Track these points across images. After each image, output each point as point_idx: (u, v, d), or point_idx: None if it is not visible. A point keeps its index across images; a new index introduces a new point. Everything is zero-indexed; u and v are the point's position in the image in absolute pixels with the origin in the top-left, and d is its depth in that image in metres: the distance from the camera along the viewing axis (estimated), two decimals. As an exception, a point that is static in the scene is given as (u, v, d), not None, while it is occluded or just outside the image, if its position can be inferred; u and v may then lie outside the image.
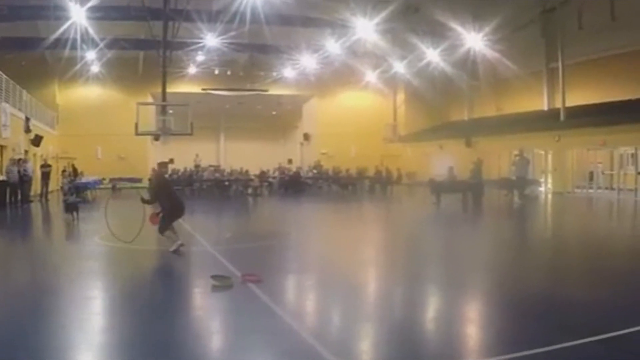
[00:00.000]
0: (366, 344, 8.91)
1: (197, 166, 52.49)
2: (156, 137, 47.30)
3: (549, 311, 10.19)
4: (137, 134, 44.11)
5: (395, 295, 12.15)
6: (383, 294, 12.52)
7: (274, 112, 63.40)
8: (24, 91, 43.90)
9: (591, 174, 42.92)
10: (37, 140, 43.77)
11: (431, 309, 11.25)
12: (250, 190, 47.53)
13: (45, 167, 42.92)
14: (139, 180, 48.25)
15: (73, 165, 49.01)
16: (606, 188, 41.91)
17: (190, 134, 44.35)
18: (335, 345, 8.34)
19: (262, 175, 50.78)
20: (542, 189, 43.99)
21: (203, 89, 59.07)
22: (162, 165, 47.33)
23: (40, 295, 11.91)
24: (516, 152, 39.05)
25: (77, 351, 8.48)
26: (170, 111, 44.27)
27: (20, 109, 41.81)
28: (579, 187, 43.51)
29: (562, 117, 43.65)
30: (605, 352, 8.04)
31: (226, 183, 48.83)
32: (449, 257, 17.04)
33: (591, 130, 39.27)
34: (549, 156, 45.63)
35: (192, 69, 57.61)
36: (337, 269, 14.77)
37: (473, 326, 9.84)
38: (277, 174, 53.21)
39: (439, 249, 19.07)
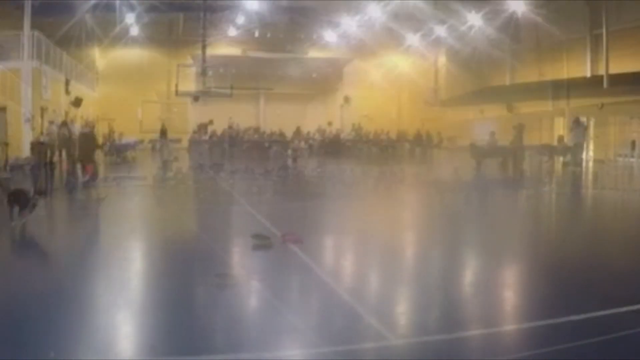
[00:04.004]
0: (403, 305, 8.96)
1: (230, 127, 52.48)
2: (196, 98, 47.42)
3: (590, 280, 10.09)
4: (177, 94, 44.32)
5: (434, 259, 12.10)
6: (421, 257, 12.51)
7: (314, 75, 63.24)
8: (64, 53, 44.14)
9: (633, 142, 42.34)
10: (77, 102, 44.00)
11: (470, 273, 11.25)
12: (289, 152, 47.58)
13: (86, 128, 43.17)
14: (179, 141, 48.39)
15: (109, 125, 49.31)
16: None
17: (230, 96, 44.41)
18: (373, 305, 8.49)
19: (298, 135, 50.77)
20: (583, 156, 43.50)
21: (243, 52, 59.04)
22: (202, 126, 47.68)
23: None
24: (573, 119, 38.58)
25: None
26: (210, 73, 44.33)
27: (60, 71, 42.07)
28: (621, 156, 42.92)
29: (605, 85, 42.99)
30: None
31: (266, 145, 48.89)
32: (489, 223, 16.90)
33: (634, 98, 38.70)
34: (591, 123, 44.95)
35: (232, 31, 57.50)
36: (376, 231, 14.79)
37: (510, 291, 9.82)
38: (317, 136, 53.17)
39: (479, 214, 18.96)
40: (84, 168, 19.10)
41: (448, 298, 9.00)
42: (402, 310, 8.68)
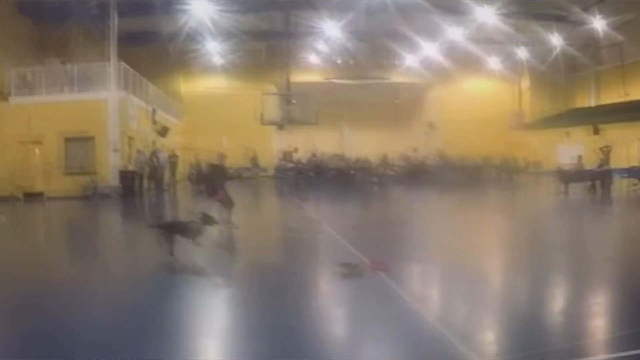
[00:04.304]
0: (492, 333, 8.79)
1: (313, 155, 52.66)
2: (280, 126, 47.72)
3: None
4: (262, 123, 44.70)
5: (521, 285, 11.78)
6: (509, 283, 12.21)
7: (397, 101, 63.08)
8: (149, 83, 44.91)
9: None
10: (163, 131, 44.66)
11: (558, 299, 10.92)
12: (374, 179, 47.52)
13: (173, 157, 43.98)
14: (265, 170, 48.78)
15: (195, 154, 50.01)
16: None
17: (315, 123, 44.61)
18: (462, 333, 8.27)
19: (385, 163, 50.68)
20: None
21: (326, 79, 59.35)
22: (287, 154, 48.13)
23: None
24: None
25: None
26: (294, 101, 44.59)
27: (146, 101, 42.80)
28: None
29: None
30: None
31: (351, 172, 48.90)
32: (578, 248, 16.41)
33: None
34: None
35: (314, 59, 57.91)
36: (464, 258, 14.34)
37: (600, 319, 9.41)
38: (402, 162, 52.99)
39: (568, 239, 18.36)
40: (213, 198, 19.32)
41: (535, 326, 8.68)
42: (490, 338, 8.56)
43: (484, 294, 10.92)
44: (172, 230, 13.83)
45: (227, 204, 19.32)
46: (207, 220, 13.97)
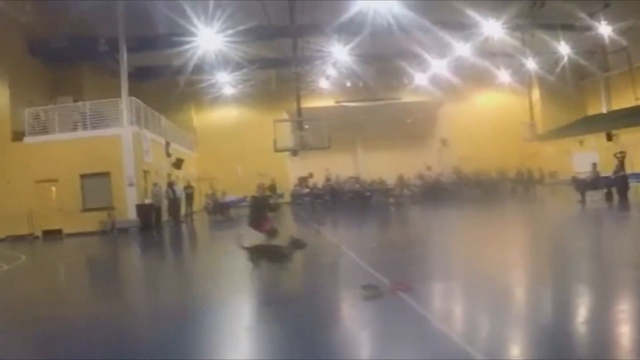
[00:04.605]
0: (518, 349, 8.69)
1: (327, 179, 52.74)
2: (294, 153, 47.81)
3: None
4: (276, 150, 44.81)
5: (545, 298, 11.69)
6: (532, 297, 11.99)
7: (408, 120, 63.07)
8: (162, 117, 45.21)
9: None
10: (178, 163, 44.91)
11: (582, 311, 10.68)
12: (391, 200, 47.52)
13: (188, 188, 44.21)
14: (282, 196, 48.86)
15: (210, 184, 50.18)
16: None
17: (328, 148, 44.66)
18: (488, 350, 8.22)
19: (401, 183, 50.70)
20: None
21: (336, 102, 59.51)
22: (302, 180, 48.39)
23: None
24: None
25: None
26: (306, 126, 44.65)
27: (159, 134, 43.05)
28: None
29: None
30: None
31: (367, 194, 48.92)
32: (601, 256, 16.26)
33: None
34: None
35: (324, 83, 58.07)
36: (485, 275, 14.13)
37: (627, 328, 9.26)
38: (417, 181, 52.98)
39: (590, 248, 18.19)
40: (260, 228, 19.38)
41: (561, 340, 8.59)
42: (516, 353, 8.50)
43: (509, 310, 10.80)
44: (263, 253, 13.84)
45: (273, 233, 19.38)
46: (297, 244, 13.95)
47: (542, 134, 59.99)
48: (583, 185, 34.46)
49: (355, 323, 11.03)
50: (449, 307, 11.83)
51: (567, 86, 55.96)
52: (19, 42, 39.48)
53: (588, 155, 45.08)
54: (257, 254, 13.83)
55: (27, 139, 37.07)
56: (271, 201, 25.38)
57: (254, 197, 20.92)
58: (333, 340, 9.68)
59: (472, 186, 52.10)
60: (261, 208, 20.09)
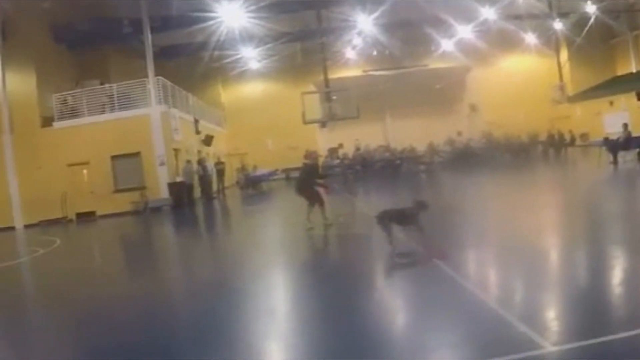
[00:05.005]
0: (553, 312, 8.58)
1: (357, 149, 52.63)
2: (323, 124, 47.74)
3: None
4: (304, 123, 44.76)
5: (581, 262, 11.58)
6: (569, 261, 11.86)
7: (437, 86, 62.65)
8: (189, 94, 45.28)
9: None
10: (208, 140, 45.04)
11: (619, 273, 10.50)
12: (421, 167, 47.37)
13: (219, 164, 44.34)
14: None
15: (241, 159, 50.39)
16: None
17: (357, 117, 44.57)
18: (524, 315, 8.10)
19: (431, 150, 50.58)
20: None
21: (364, 71, 59.27)
22: (332, 151, 48.36)
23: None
24: None
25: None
26: (334, 97, 44.54)
27: (188, 112, 43.15)
28: None
29: None
30: None
31: (398, 162, 48.80)
32: (635, 219, 16.01)
33: None
34: None
35: (350, 54, 57.79)
36: (520, 240, 14.01)
37: None
38: (447, 147, 52.78)
39: (624, 210, 17.83)
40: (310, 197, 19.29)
41: (596, 303, 8.49)
42: (552, 316, 8.43)
43: (544, 274, 10.71)
44: (393, 218, 13.82)
45: (320, 202, 19.36)
46: (421, 205, 13.90)
47: (572, 96, 59.42)
48: (615, 146, 34.05)
49: (390, 291, 11.15)
50: (484, 273, 11.76)
51: (596, 47, 55.33)
52: (43, 30, 39.69)
53: (619, 116, 44.68)
54: (388, 218, 13.73)
55: (57, 124, 37.34)
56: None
57: (304, 164, 20.81)
58: (370, 308, 9.71)
59: (503, 151, 51.76)
60: (311, 175, 19.97)
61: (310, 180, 19.62)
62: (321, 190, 19.56)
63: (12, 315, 12.37)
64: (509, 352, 6.78)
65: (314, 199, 19.25)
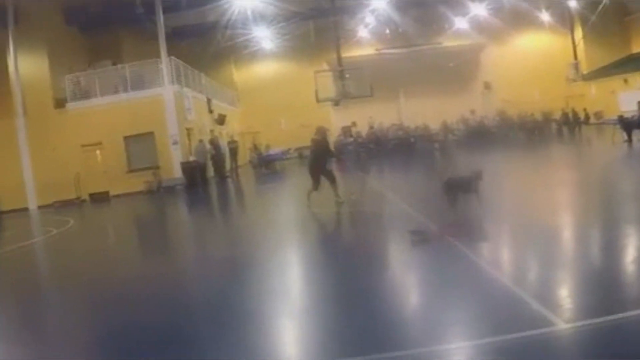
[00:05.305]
0: (566, 290, 8.53)
1: (371, 128, 52.54)
2: (336, 103, 47.68)
3: None
4: (318, 101, 44.71)
5: (595, 240, 11.48)
6: (583, 239, 11.80)
7: (450, 64, 62.45)
8: (202, 74, 45.30)
9: None
10: (221, 119, 45.13)
11: (631, 252, 10.30)
12: (435, 145, 47.26)
13: (232, 143, 44.35)
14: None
15: (254, 138, 50.53)
16: None
17: (370, 96, 44.52)
18: (537, 292, 8.08)
19: (445, 128, 50.45)
20: None
21: (377, 50, 59.12)
22: (346, 129, 48.35)
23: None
24: None
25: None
26: (347, 75, 44.44)
27: (201, 92, 43.19)
28: None
29: None
30: None
31: (412, 140, 48.70)
32: None
33: None
34: None
35: (363, 32, 57.64)
36: (535, 218, 13.93)
37: None
38: (460, 125, 52.62)
39: (637, 189, 17.79)
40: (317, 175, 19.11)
41: (610, 281, 8.45)
42: (566, 294, 8.38)
43: (558, 252, 10.66)
44: (454, 186, 13.92)
45: (332, 180, 19.28)
46: (479, 175, 13.98)
47: (586, 74, 59.13)
48: (629, 125, 33.84)
49: (403, 268, 11.11)
50: (498, 250, 11.68)
51: (610, 24, 54.97)
52: (55, 12, 39.84)
53: (634, 94, 44.44)
54: (455, 186, 13.85)
55: (70, 105, 37.49)
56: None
57: (313, 140, 20.43)
58: (383, 286, 9.71)
59: (517, 129, 51.52)
60: (321, 156, 19.75)
61: (321, 161, 19.46)
62: (335, 167, 19.45)
63: (27, 296, 12.46)
64: (522, 329, 6.75)
65: (328, 178, 19.16)
